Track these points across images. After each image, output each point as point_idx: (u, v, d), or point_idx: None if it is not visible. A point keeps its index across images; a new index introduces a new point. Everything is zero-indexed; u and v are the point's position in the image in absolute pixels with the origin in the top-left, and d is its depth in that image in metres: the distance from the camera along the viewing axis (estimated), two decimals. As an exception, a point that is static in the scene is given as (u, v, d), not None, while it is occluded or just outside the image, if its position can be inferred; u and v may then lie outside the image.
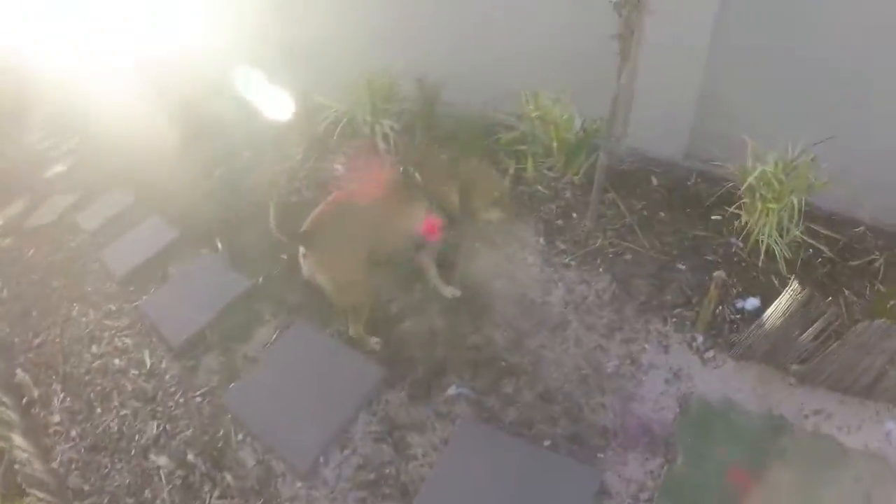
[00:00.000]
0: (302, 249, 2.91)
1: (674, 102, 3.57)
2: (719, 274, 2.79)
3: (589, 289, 3.23)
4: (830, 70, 3.18)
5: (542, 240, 3.48)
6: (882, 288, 3.23)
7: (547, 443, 2.77)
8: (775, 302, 2.68)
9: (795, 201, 3.11)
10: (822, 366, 2.88)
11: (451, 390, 2.97)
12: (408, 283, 3.35)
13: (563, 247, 3.43)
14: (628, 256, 3.34)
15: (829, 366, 2.87)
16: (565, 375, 2.96)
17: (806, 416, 2.87)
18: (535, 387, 2.92)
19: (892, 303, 3.11)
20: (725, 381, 2.94)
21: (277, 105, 4.80)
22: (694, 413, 2.87)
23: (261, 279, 3.58)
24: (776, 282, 3.20)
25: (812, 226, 3.29)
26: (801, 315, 2.66)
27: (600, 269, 3.29)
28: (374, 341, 3.16)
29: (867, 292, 3.22)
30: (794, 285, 2.57)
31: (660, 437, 2.80)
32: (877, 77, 3.12)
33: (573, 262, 3.33)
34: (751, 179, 3.16)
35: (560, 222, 3.55)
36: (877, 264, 3.30)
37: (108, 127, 5.48)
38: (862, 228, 3.45)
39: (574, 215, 3.56)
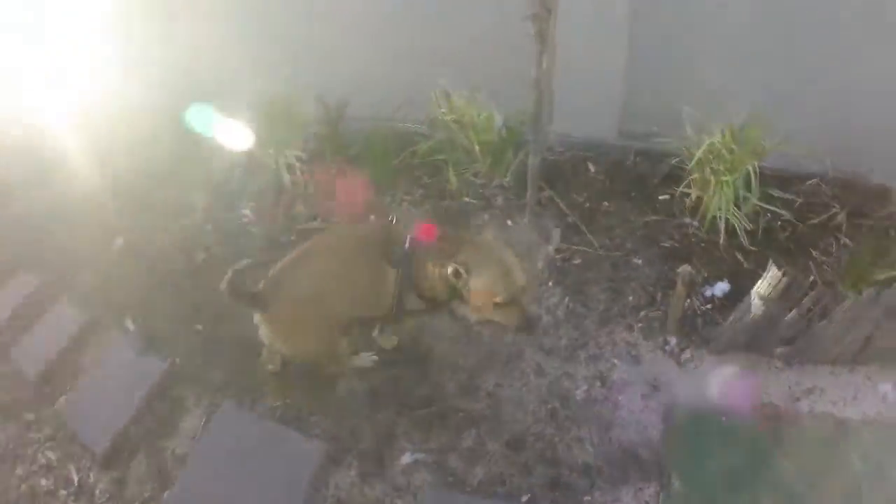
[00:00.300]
0: (257, 315, 2.44)
1: (599, 79, 3.22)
2: (685, 268, 2.52)
3: (539, 307, 2.83)
4: (763, 26, 2.94)
5: None
6: (848, 241, 3.03)
7: (525, 498, 2.40)
8: (753, 290, 2.41)
9: (751, 169, 2.85)
10: (808, 344, 2.64)
11: (406, 458, 2.55)
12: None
13: None
14: (577, 260, 2.97)
15: (815, 343, 2.63)
16: (531, 414, 2.59)
17: (798, 399, 2.64)
18: (499, 435, 2.55)
19: (862, 257, 2.85)
20: (708, 381, 2.65)
21: (179, 145, 4.11)
22: (681, 425, 2.58)
23: (178, 359, 3.06)
24: (742, 258, 2.93)
25: (765, 189, 3.01)
26: (783, 300, 2.41)
27: (549, 283, 2.91)
28: (367, 356, 2.80)
29: (834, 249, 3.01)
30: (773, 271, 2.31)
31: (649, 461, 2.48)
32: (810, 28, 2.90)
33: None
34: (699, 153, 2.88)
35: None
36: (838, 218, 3.09)
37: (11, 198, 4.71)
38: (815, 181, 3.24)
39: (510, 223, 3.15)
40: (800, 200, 3.12)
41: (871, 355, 2.79)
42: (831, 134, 3.07)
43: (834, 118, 3.11)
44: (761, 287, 2.40)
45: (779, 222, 3.02)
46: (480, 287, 2.19)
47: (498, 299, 2.19)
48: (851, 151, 3.24)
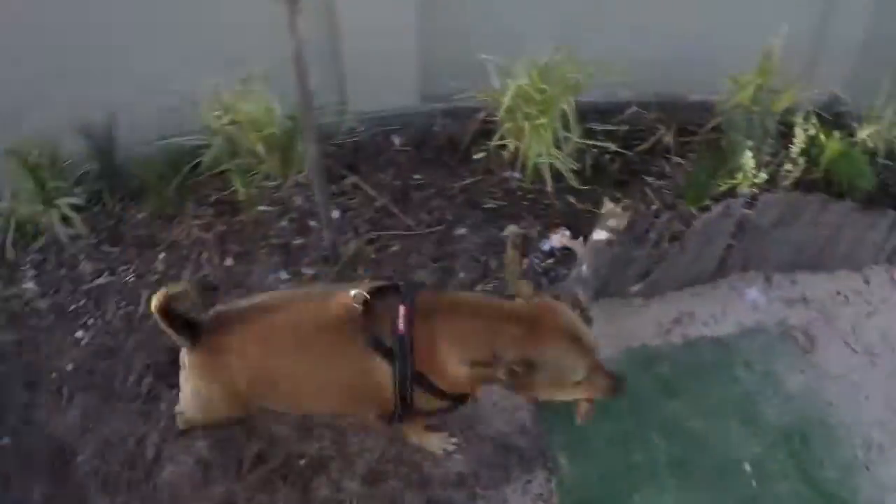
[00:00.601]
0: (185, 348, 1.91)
1: (391, 44, 3.06)
2: (511, 229, 2.52)
3: None
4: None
5: (284, 274, 2.76)
6: (680, 161, 3.11)
7: (396, 533, 2.23)
8: (594, 233, 2.42)
9: (566, 106, 2.82)
10: (664, 274, 2.68)
11: (256, 531, 2.29)
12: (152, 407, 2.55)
13: (312, 272, 2.75)
14: (396, 247, 2.78)
15: (672, 271, 2.69)
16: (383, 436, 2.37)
17: (668, 331, 2.69)
18: (354, 470, 2.31)
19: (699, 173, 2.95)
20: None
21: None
22: (552, 398, 2.53)
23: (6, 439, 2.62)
24: (574, 201, 2.91)
25: (586, 125, 3.03)
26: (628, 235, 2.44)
27: (368, 281, 2.56)
28: None
29: (668, 171, 3.08)
30: (609, 206, 2.37)
31: (529, 449, 2.37)
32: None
33: (330, 287, 2.63)
34: (508, 100, 2.83)
35: (299, 240, 2.88)
36: (665, 140, 3.17)
37: None
38: (635, 108, 3.32)
39: (313, 224, 2.94)
40: (624, 129, 3.17)
41: (731, 267, 2.89)
42: (643, 59, 3.11)
43: (643, 42, 3.17)
44: (602, 225, 2.34)
45: (606, 155, 3.04)
46: (551, 379, 1.70)
47: (578, 379, 1.73)
48: (667, 73, 3.33)
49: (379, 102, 3.23)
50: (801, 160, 3.09)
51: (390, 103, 3.24)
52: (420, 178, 2.99)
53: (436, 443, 2.30)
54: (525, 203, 2.88)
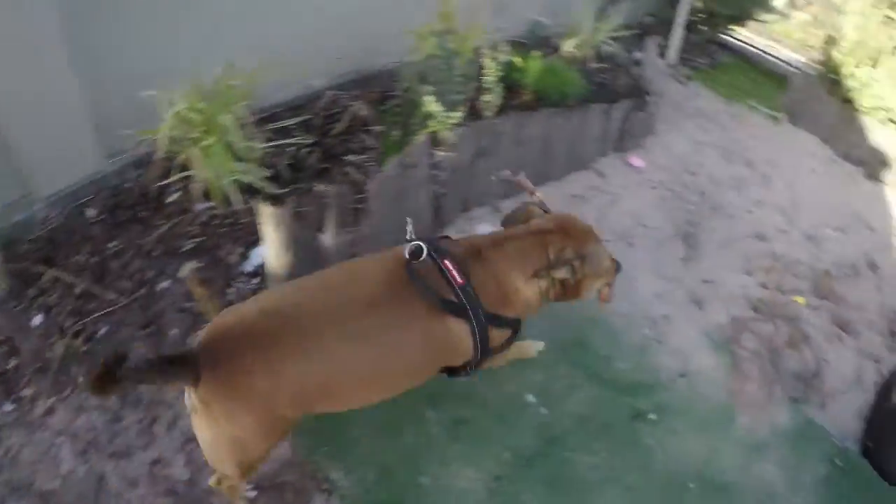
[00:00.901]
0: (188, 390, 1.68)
1: (57, 112, 2.81)
2: (186, 269, 2.46)
3: (93, 417, 2.41)
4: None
5: (7, 405, 2.48)
6: (381, 128, 3.13)
7: None
8: (265, 245, 2.42)
9: (228, 119, 2.70)
10: (367, 246, 2.67)
11: None
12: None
13: (30, 392, 2.48)
14: (104, 329, 2.58)
15: (374, 240, 2.70)
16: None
17: None
18: None
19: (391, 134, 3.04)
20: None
21: None
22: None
23: None
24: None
25: (281, 126, 3.02)
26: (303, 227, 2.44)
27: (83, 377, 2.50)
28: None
29: (368, 142, 3.06)
30: (265, 210, 2.32)
31: (299, 480, 2.29)
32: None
33: (55, 403, 2.44)
34: (165, 131, 2.68)
35: (13, 362, 2.56)
36: (361, 114, 3.17)
37: None
38: (329, 95, 3.30)
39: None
40: (321, 117, 3.14)
41: (451, 210, 2.99)
42: (328, 45, 3.19)
43: (322, 28, 3.18)
44: (269, 232, 2.32)
45: (304, 149, 2.97)
46: (595, 268, 2.04)
47: (608, 265, 2.12)
48: (359, 51, 3.38)
49: (67, 178, 2.98)
50: (499, 88, 3.16)
51: (79, 174, 3.00)
52: (116, 244, 2.78)
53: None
54: (223, 230, 2.77)
